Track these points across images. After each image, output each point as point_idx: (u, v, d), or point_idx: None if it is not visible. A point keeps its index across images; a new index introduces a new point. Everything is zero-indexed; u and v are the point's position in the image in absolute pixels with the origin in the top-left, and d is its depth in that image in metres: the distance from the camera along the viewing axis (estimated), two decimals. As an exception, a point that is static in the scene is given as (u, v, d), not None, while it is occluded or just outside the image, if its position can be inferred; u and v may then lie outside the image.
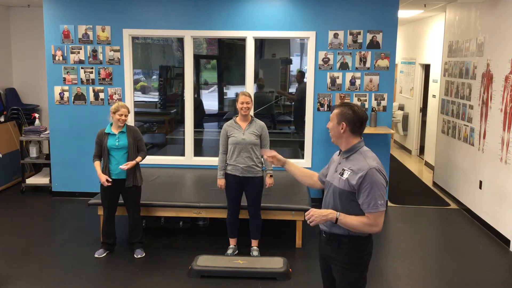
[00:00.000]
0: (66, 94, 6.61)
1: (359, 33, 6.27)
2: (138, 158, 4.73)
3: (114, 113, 4.62)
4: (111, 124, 4.73)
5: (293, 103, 8.36)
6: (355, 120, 2.65)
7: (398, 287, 4.34)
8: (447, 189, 7.07)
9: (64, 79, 6.58)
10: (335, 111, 2.72)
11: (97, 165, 4.71)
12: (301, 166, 3.09)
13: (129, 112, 4.72)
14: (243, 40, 6.49)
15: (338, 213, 2.58)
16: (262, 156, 4.72)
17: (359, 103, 6.32)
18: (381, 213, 2.55)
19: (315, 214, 2.59)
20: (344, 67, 6.35)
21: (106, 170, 4.66)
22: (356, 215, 2.58)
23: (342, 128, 2.66)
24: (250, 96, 4.63)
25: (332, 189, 2.69)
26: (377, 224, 2.56)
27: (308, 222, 2.62)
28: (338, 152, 2.83)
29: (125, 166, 4.60)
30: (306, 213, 2.64)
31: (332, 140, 2.77)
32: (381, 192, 2.55)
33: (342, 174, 2.64)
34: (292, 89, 8.73)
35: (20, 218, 6.01)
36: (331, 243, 2.72)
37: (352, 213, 2.59)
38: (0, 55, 7.86)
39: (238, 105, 4.60)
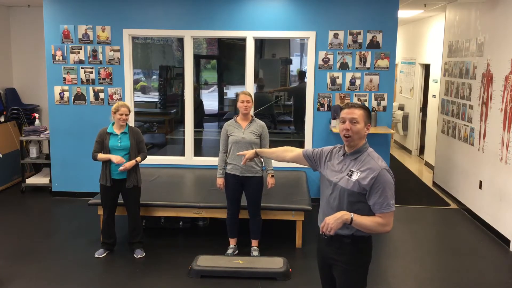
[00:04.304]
0: (66, 94, 6.61)
1: (359, 33, 6.27)
2: (138, 158, 4.74)
3: (115, 113, 4.63)
4: (113, 124, 4.73)
5: (292, 103, 8.36)
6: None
7: (398, 287, 4.34)
8: (447, 189, 7.07)
9: (64, 79, 6.58)
10: (360, 112, 2.63)
11: (101, 155, 4.64)
12: (273, 149, 3.15)
13: (129, 112, 4.71)
14: (243, 40, 6.49)
15: (351, 214, 2.52)
16: (260, 157, 4.72)
17: (359, 103, 6.32)
18: (393, 212, 2.57)
19: (330, 222, 2.46)
20: (344, 67, 6.35)
21: (106, 170, 4.66)
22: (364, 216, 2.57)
23: (367, 129, 2.65)
24: (250, 95, 4.64)
25: (339, 190, 2.64)
26: (389, 224, 2.57)
27: (327, 232, 2.47)
28: (336, 149, 2.80)
29: (123, 168, 4.60)
30: (321, 226, 2.50)
31: (350, 143, 2.64)
32: (392, 192, 2.58)
33: (350, 176, 2.61)
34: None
35: (20, 218, 6.01)
36: (332, 244, 2.70)
37: (360, 213, 2.56)
38: (0, 55, 7.86)
39: (239, 104, 4.62)
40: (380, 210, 2.55)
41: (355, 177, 2.60)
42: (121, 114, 4.62)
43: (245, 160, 3.18)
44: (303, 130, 6.64)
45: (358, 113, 2.63)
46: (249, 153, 3.18)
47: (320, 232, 2.56)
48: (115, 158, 4.57)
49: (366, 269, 2.73)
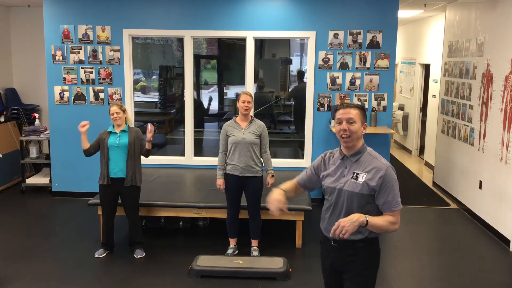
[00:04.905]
0: (66, 94, 6.61)
1: (359, 33, 6.27)
2: (148, 145, 4.70)
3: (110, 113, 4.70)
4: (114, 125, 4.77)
5: (292, 103, 8.36)
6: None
7: (398, 287, 4.34)
8: (447, 189, 7.07)
9: (64, 79, 6.59)
10: (356, 111, 2.58)
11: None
12: (287, 183, 2.84)
13: (122, 110, 4.72)
14: (243, 40, 6.49)
15: (365, 215, 2.44)
16: (261, 156, 4.73)
17: (359, 103, 6.32)
18: (400, 210, 2.56)
19: (346, 224, 2.36)
20: (344, 67, 6.35)
21: (104, 169, 4.67)
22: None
23: (364, 129, 2.61)
24: (251, 96, 4.64)
25: (346, 195, 2.57)
26: (398, 221, 2.56)
27: (341, 235, 2.36)
28: (327, 156, 2.74)
29: (150, 134, 4.57)
30: (333, 228, 2.38)
31: (348, 144, 2.58)
32: (398, 190, 2.57)
33: (356, 178, 2.55)
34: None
35: (20, 218, 6.01)
36: (344, 250, 2.62)
37: (370, 215, 2.49)
38: (0, 55, 7.86)
39: (239, 104, 4.61)
40: (390, 208, 2.52)
41: (361, 179, 2.54)
42: (112, 114, 4.68)
43: (284, 208, 2.65)
44: (303, 130, 6.64)
45: (354, 113, 2.58)
46: (280, 200, 2.66)
47: (331, 235, 2.43)
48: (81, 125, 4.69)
49: (377, 271, 2.71)
